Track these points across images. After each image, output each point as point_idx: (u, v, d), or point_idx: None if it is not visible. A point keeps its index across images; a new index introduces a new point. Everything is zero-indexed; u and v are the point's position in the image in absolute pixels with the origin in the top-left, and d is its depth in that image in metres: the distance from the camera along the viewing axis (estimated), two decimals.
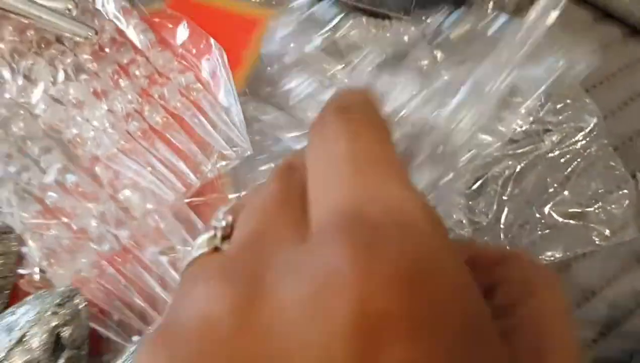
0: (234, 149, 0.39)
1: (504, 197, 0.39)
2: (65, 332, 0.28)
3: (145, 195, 0.36)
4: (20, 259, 0.33)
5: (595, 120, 0.40)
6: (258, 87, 0.42)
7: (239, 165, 0.39)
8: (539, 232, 0.38)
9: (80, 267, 0.34)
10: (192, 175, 0.39)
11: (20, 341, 0.27)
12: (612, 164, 0.40)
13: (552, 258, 0.38)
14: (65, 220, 0.34)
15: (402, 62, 0.41)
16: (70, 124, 0.37)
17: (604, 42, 0.45)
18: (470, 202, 0.38)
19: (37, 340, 0.27)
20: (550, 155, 0.39)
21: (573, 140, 0.40)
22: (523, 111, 0.41)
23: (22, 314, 0.28)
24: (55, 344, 0.28)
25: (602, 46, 0.45)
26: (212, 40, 0.41)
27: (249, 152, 0.39)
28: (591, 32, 0.46)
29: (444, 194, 0.37)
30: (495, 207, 0.38)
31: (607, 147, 0.40)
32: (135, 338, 0.31)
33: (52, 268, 0.33)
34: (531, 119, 0.40)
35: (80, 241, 0.34)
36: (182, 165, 0.38)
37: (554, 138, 0.40)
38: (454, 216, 0.38)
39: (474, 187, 0.39)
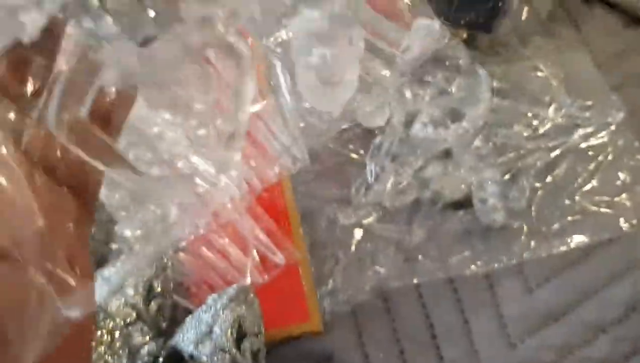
0: (292, 159, 0.43)
1: (537, 185, 0.42)
2: (156, 283, 0.33)
3: (218, 192, 0.40)
4: (110, 233, 0.38)
5: (621, 115, 0.43)
6: None
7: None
8: (569, 218, 0.41)
9: (163, 248, 0.38)
10: (255, 179, 0.43)
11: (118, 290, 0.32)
12: (638, 156, 0.43)
13: (580, 242, 0.41)
14: (152, 207, 0.39)
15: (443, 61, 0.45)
16: (153, 123, 0.41)
17: (632, 45, 0.48)
18: (504, 189, 0.41)
19: (132, 289, 0.33)
20: (580, 147, 0.43)
21: (601, 134, 0.43)
22: (553, 107, 0.44)
23: (120, 268, 0.33)
24: (148, 292, 0.33)
25: (629, 49, 0.48)
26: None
27: (307, 163, 0.43)
28: (620, 36, 0.49)
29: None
30: (527, 194, 0.42)
31: (633, 141, 0.43)
32: (212, 295, 0.36)
33: (140, 246, 0.38)
34: (562, 114, 0.43)
35: (163, 225, 0.39)
36: (246, 170, 0.42)
37: (582, 132, 0.43)
38: (490, 201, 0.41)
39: (508, 176, 0.42)
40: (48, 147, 0.19)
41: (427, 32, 0.43)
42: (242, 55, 0.22)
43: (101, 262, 0.40)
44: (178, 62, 0.21)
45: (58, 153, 0.20)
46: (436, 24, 0.43)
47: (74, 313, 0.19)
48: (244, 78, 0.23)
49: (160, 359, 0.36)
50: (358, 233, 0.42)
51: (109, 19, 0.17)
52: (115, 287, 0.33)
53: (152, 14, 0.18)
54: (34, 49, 0.19)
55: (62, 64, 0.19)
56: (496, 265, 0.41)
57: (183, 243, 0.40)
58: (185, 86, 0.23)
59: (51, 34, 0.19)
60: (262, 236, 0.41)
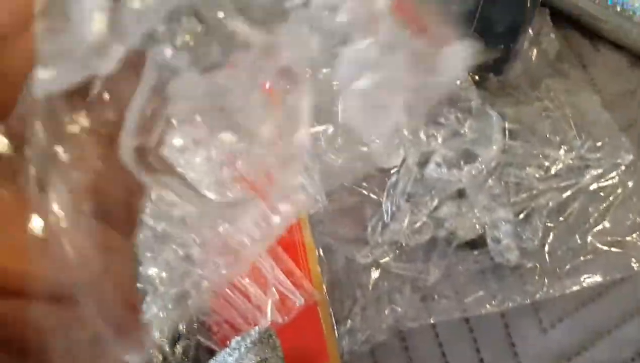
0: (310, 199, 0.44)
1: (549, 225, 0.43)
2: (181, 325, 0.35)
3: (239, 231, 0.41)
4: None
5: (631, 157, 0.44)
6: None
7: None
8: (581, 258, 0.42)
9: (187, 288, 0.39)
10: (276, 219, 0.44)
11: None
12: None
13: (592, 281, 0.42)
14: (173, 246, 0.40)
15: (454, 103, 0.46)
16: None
17: (637, 85, 0.50)
18: (518, 229, 0.43)
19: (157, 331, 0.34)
20: (591, 188, 0.44)
21: (611, 175, 0.44)
22: (564, 148, 0.45)
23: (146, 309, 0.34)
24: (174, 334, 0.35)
25: (635, 88, 0.49)
26: None
27: (325, 204, 0.44)
28: (626, 75, 0.50)
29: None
30: (540, 234, 0.43)
31: None
32: (236, 337, 0.36)
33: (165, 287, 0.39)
34: (572, 155, 0.44)
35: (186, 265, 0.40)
36: (265, 210, 0.43)
37: (593, 173, 0.44)
38: (503, 241, 0.42)
39: (521, 216, 0.43)
40: (99, 183, 0.19)
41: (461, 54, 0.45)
42: (299, 78, 0.22)
43: None
44: (241, 89, 0.21)
45: (107, 188, 0.20)
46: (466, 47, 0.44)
47: (134, 359, 0.19)
48: (302, 100, 0.23)
49: None
50: (375, 272, 0.43)
51: (179, 51, 0.18)
52: None
53: (217, 42, 0.18)
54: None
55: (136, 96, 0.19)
56: (510, 304, 0.42)
57: (206, 284, 0.41)
58: (247, 112, 0.22)
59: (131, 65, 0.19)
60: (282, 276, 0.42)
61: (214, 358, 0.37)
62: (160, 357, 0.36)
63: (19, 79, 0.16)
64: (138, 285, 0.41)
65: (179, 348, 0.37)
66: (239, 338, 0.37)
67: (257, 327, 0.38)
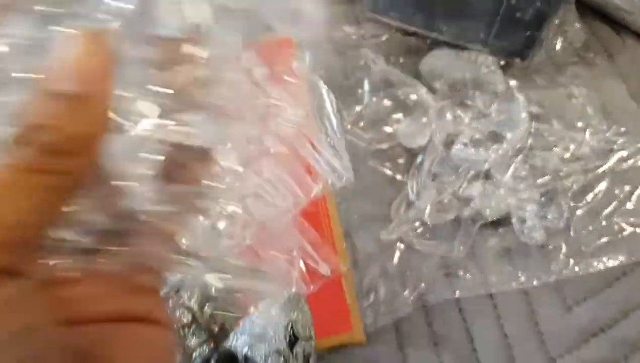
0: (337, 175, 0.45)
1: (574, 206, 0.43)
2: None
3: (264, 204, 0.42)
4: None
5: None
6: None
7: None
8: (606, 238, 0.43)
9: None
10: (301, 194, 0.45)
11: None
12: None
13: (617, 261, 0.42)
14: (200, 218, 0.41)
15: (480, 87, 0.47)
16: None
17: None
18: (543, 209, 0.43)
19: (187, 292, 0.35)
20: (615, 170, 0.44)
21: (636, 158, 0.44)
22: (589, 132, 0.46)
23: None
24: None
25: None
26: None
27: (351, 180, 0.45)
28: None
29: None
30: (565, 214, 0.43)
31: None
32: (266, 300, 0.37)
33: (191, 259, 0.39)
34: (597, 138, 0.45)
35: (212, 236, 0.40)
36: (294, 186, 0.44)
37: (618, 156, 0.45)
38: (529, 221, 0.42)
39: (546, 197, 0.44)
40: None
41: None
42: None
43: None
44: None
45: None
46: None
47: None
48: None
49: (212, 362, 0.37)
50: (400, 248, 0.44)
51: None
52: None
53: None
54: None
55: None
56: (535, 282, 0.42)
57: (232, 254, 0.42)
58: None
59: None
60: (308, 248, 0.43)
61: (243, 319, 0.37)
62: (190, 317, 0.37)
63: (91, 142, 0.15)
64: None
65: (207, 310, 0.37)
66: (268, 300, 0.37)
67: (285, 292, 0.38)
